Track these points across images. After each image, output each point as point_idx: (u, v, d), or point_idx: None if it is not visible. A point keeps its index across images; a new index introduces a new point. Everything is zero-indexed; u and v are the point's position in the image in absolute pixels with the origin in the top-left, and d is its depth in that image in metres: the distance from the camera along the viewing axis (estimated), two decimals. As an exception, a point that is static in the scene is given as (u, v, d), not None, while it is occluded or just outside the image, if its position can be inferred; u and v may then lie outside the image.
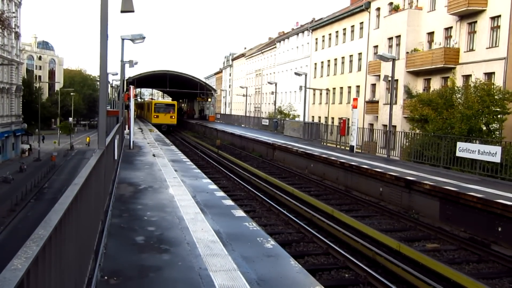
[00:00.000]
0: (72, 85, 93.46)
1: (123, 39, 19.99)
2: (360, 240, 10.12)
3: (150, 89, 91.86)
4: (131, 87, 19.54)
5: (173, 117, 49.36)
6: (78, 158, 53.34)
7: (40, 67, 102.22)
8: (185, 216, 7.63)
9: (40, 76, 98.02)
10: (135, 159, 15.29)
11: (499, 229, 10.44)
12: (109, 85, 49.35)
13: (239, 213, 8.11)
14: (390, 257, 9.00)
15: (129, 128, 19.47)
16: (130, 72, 57.95)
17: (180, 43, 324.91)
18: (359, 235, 10.60)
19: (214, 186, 10.70)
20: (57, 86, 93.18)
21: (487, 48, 27.41)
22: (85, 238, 4.54)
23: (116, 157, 11.80)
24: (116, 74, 35.26)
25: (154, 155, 16.32)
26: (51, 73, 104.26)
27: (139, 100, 77.08)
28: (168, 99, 79.55)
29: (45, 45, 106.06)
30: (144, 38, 19.14)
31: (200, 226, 7.02)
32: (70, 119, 76.90)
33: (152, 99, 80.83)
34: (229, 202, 8.99)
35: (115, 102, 44.41)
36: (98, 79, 8.23)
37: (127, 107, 23.11)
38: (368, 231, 10.96)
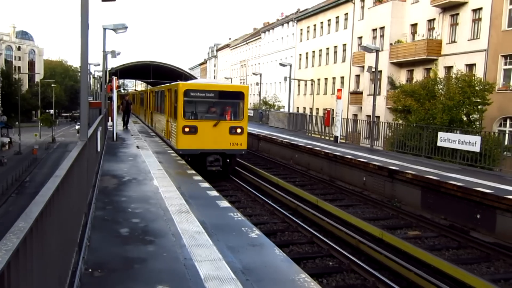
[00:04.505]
0: (53, 76, 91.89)
1: (105, 29, 19.68)
2: (344, 228, 10.26)
3: (134, 80, 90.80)
4: (114, 78, 19.26)
5: (241, 131, 15.53)
6: (60, 151, 52.62)
7: (19, 57, 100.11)
8: (170, 207, 7.62)
9: (19, 67, 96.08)
10: (118, 151, 15.17)
11: (478, 216, 10.68)
12: (91, 76, 48.63)
13: (224, 203, 8.13)
14: (373, 245, 9.16)
15: (112, 120, 19.26)
16: (113, 63, 55.43)
17: (164, 33, 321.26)
18: (343, 224, 10.75)
19: (199, 177, 10.69)
20: (37, 78, 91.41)
21: (468, 40, 27.78)
22: (68, 231, 4.51)
23: (99, 149, 11.68)
24: (98, 64, 34.82)
25: (138, 147, 16.21)
26: (31, 64, 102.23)
27: (122, 91, 75.51)
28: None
29: (24, 35, 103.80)
30: (126, 28, 18.88)
31: (185, 217, 7.03)
32: (51, 111, 75.62)
33: (145, 86, 58.77)
34: (214, 193, 9.00)
35: (98, 94, 43.80)
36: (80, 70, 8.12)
37: (110, 98, 22.84)
38: (352, 220, 11.11)
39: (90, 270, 4.81)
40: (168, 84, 18.10)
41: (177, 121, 14.91)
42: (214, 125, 14.92)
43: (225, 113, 15.60)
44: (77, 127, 68.87)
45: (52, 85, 76.81)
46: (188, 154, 14.80)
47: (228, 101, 15.80)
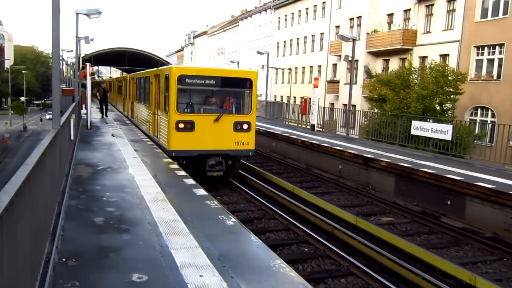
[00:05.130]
0: (24, 63, 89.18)
1: (77, 14, 19.22)
2: (320, 215, 10.41)
3: (108, 68, 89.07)
4: (88, 64, 18.85)
5: (248, 127, 12.75)
6: (32, 140, 51.40)
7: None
8: (145, 196, 7.58)
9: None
10: (93, 139, 14.92)
11: (448, 203, 11.00)
12: (64, 63, 47.44)
13: (201, 191, 8.13)
14: (347, 231, 9.33)
15: (86, 108, 18.90)
16: (87, 49, 53.95)
17: (139, 20, 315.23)
18: (318, 211, 10.90)
19: (175, 166, 10.63)
20: (7, 64, 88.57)
21: (443, 31, 28.26)
22: (40, 220, 4.44)
23: (72, 137, 11.47)
24: (71, 51, 33.96)
25: (113, 135, 15.97)
26: (0, 50, 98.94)
27: (97, 78, 73.90)
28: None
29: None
30: (100, 13, 18.48)
31: (161, 206, 7.00)
32: (23, 98, 73.55)
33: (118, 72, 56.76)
34: (190, 181, 8.98)
35: (71, 81, 42.80)
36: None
37: (84, 85, 22.38)
38: (327, 207, 11.28)
39: (64, 259, 4.76)
40: (156, 69, 14.91)
41: (169, 115, 11.99)
42: (215, 119, 12.17)
43: (229, 105, 13.05)
44: (47, 116, 66.50)
45: (23, 71, 74.58)
46: (183, 156, 12.14)
47: (232, 90, 13.14)
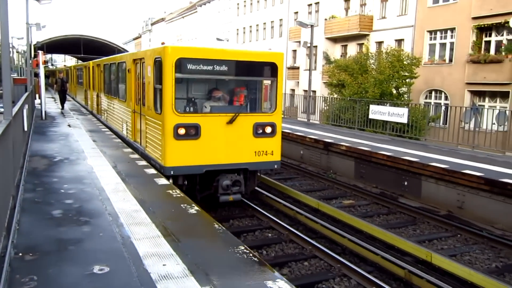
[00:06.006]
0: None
1: None
2: (283, 201, 10.55)
3: (63, 55, 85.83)
4: (40, 52, 18.06)
5: (272, 130, 9.45)
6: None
7: None
8: (105, 187, 7.41)
9: None
10: (48, 130, 14.40)
11: (405, 183, 11.42)
12: (15, 51, 45.30)
13: (162, 181, 8.04)
14: (310, 215, 9.51)
15: (40, 97, 18.17)
16: (39, 37, 51.41)
17: (95, 6, 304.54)
18: (282, 197, 11.03)
19: (135, 156, 10.44)
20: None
21: (397, 16, 28.94)
22: (-6, 215, 4.27)
23: (26, 128, 11.03)
24: (22, 38, 32.42)
25: (69, 126, 15.47)
26: None
27: (51, 66, 70.97)
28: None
29: None
30: (51, -1, 17.68)
31: (122, 196, 6.88)
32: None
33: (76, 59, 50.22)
34: (152, 171, 8.85)
35: (23, 70, 40.95)
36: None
37: (37, 74, 21.47)
38: (290, 192, 11.44)
39: (20, 254, 4.60)
40: (137, 52, 12.08)
41: (164, 117, 8.60)
42: (229, 121, 8.84)
43: (244, 99, 9.65)
44: None
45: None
46: (185, 174, 8.87)
47: (250, 79, 9.87)
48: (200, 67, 8.74)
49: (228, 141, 8.97)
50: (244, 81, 9.89)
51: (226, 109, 9.31)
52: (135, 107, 11.15)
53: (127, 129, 12.09)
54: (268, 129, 9.34)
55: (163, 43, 8.84)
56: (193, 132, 8.68)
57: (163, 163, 8.74)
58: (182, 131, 8.59)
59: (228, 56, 9.02)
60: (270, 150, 9.41)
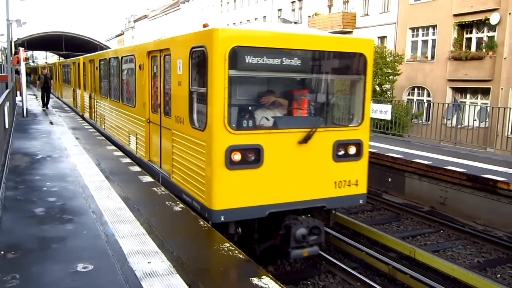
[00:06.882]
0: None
1: (7, -5, 17.96)
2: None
3: (44, 52, 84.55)
4: (21, 49, 17.75)
5: (357, 150, 6.87)
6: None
7: None
8: (89, 184, 7.33)
9: None
10: (30, 127, 14.16)
11: (389, 180, 11.55)
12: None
13: (147, 178, 7.97)
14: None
15: (21, 95, 17.86)
16: (19, 33, 50.35)
17: (76, 2, 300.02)
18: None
19: (119, 153, 10.33)
20: None
21: (380, 13, 29.20)
22: (-26, 213, 4.17)
23: (7, 126, 10.83)
24: (2, 35, 31.78)
25: (51, 123, 15.23)
26: None
27: (32, 63, 69.74)
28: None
29: None
30: (32, -6, 17.32)
31: (106, 194, 6.81)
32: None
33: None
34: (136, 168, 8.77)
35: (4, 67, 40.18)
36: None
37: (18, 71, 21.10)
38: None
39: (2, 252, 4.52)
40: (162, 39, 8.10)
41: (211, 135, 5.93)
42: (302, 140, 6.29)
43: (303, 105, 7.16)
44: None
45: None
46: (240, 220, 6.26)
47: (332, 77, 7.32)
48: (264, 61, 6.07)
49: (301, 168, 6.35)
50: (320, 80, 7.18)
51: (297, 122, 6.78)
52: (150, 115, 8.50)
53: (136, 143, 9.48)
54: (352, 150, 6.80)
55: (205, 25, 6.42)
56: (252, 157, 6.04)
57: (208, 205, 6.01)
58: (237, 156, 5.93)
59: (303, 43, 6.31)
60: (354, 179, 6.93)
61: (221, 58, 5.71)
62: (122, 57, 10.76)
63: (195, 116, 6.48)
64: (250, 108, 6.67)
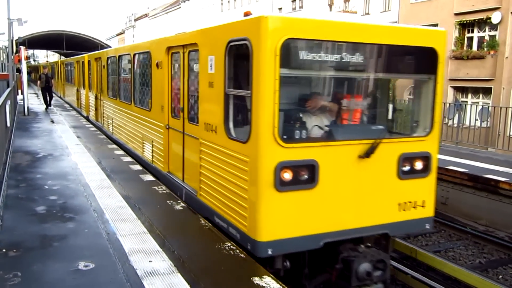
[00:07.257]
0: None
1: (8, -6, 17.97)
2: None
3: (45, 51, 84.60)
4: (22, 48, 17.78)
5: (424, 166, 5.53)
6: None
7: None
8: (90, 183, 7.33)
9: None
10: (31, 126, 14.18)
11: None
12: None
13: (148, 177, 7.97)
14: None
15: (22, 93, 17.87)
16: (20, 32, 50.38)
17: (77, 1, 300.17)
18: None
19: (120, 152, 10.34)
20: None
21: (381, 12, 29.19)
22: (-25, 211, 4.17)
23: (8, 124, 10.84)
24: (3, 33, 31.78)
25: (52, 121, 15.25)
26: None
27: (33, 62, 69.76)
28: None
29: None
30: (33, -7, 17.33)
31: (107, 192, 6.81)
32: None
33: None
34: (137, 167, 8.78)
35: (5, 65, 40.19)
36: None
37: (19, 70, 21.11)
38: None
39: (4, 250, 4.53)
40: (188, 32, 6.76)
41: (257, 148, 4.66)
42: (364, 154, 5.08)
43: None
44: None
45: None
46: (290, 253, 4.98)
47: (395, 76, 6.54)
48: (320, 57, 4.98)
49: (360, 188, 5.18)
50: (379, 81, 6.04)
51: (357, 132, 5.59)
52: (170, 121, 7.43)
53: (152, 151, 8.38)
54: (419, 164, 5.55)
55: (248, 13, 5.19)
56: (306, 175, 4.86)
57: (252, 235, 4.78)
58: (288, 175, 4.73)
59: (368, 36, 5.10)
60: (421, 200, 5.63)
61: (271, 54, 4.51)
62: (134, 54, 9.67)
63: (232, 124, 5.28)
64: (300, 114, 5.36)
